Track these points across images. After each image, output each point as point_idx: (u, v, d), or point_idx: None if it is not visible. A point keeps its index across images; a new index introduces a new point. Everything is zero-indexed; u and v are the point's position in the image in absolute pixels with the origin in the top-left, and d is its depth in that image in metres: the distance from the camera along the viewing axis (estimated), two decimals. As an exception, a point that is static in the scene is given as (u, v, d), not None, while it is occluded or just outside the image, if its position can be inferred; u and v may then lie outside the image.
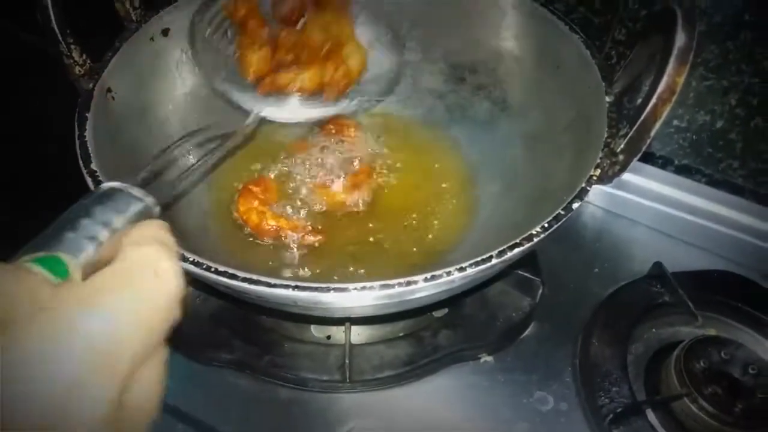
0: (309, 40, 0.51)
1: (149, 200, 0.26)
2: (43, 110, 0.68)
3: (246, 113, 0.49)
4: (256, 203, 0.53)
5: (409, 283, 0.36)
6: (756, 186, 0.65)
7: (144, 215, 0.26)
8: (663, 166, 0.68)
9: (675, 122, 0.65)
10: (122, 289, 0.21)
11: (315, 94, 0.51)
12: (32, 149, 0.69)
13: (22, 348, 0.18)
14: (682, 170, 0.68)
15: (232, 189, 0.56)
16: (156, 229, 0.25)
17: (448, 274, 0.36)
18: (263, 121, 0.52)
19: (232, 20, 0.52)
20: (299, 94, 0.50)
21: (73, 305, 0.20)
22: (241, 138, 0.48)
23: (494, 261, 0.37)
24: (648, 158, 0.68)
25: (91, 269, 0.22)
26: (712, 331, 0.55)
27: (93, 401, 0.19)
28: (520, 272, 0.55)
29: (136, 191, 0.26)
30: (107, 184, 0.26)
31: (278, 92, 0.50)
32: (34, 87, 0.66)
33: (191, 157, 0.52)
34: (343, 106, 0.52)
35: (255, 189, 0.54)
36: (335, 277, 0.51)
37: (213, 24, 0.52)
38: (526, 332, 0.55)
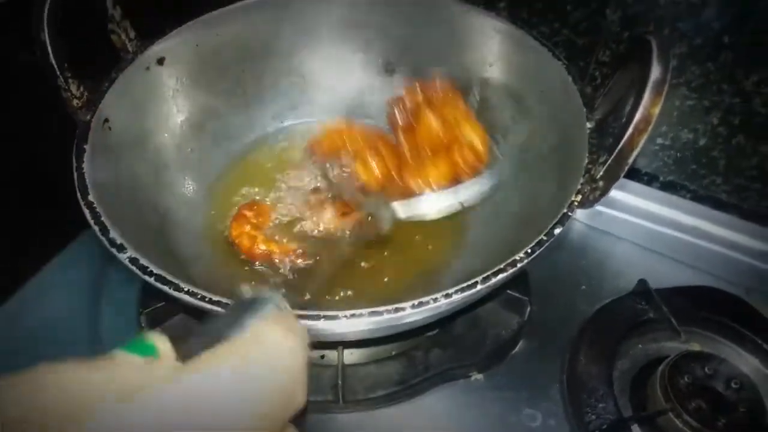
0: (429, 134, 0.50)
1: (282, 302, 0.27)
2: (37, 128, 0.69)
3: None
4: (248, 228, 0.54)
5: (397, 310, 0.37)
6: (739, 201, 0.66)
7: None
8: (648, 183, 0.70)
9: (659, 140, 0.66)
10: (224, 362, 0.20)
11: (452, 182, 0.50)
12: (27, 166, 0.70)
13: None
14: (667, 186, 0.69)
15: (226, 213, 0.57)
16: (283, 315, 0.24)
17: (435, 300, 0.37)
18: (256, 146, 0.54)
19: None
20: (435, 188, 0.50)
21: (152, 380, 0.19)
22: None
23: (479, 287, 0.38)
24: (634, 175, 0.70)
25: None
26: (696, 347, 0.56)
27: None
28: (508, 291, 0.56)
29: (269, 294, 0.27)
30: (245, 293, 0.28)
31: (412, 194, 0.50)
32: (27, 105, 0.67)
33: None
34: (480, 186, 0.51)
35: (248, 213, 0.55)
36: (328, 297, 0.53)
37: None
38: (515, 350, 0.56)
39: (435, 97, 0.51)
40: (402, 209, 0.49)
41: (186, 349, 0.21)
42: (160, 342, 0.21)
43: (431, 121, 0.49)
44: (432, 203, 0.49)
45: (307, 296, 0.48)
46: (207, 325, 0.24)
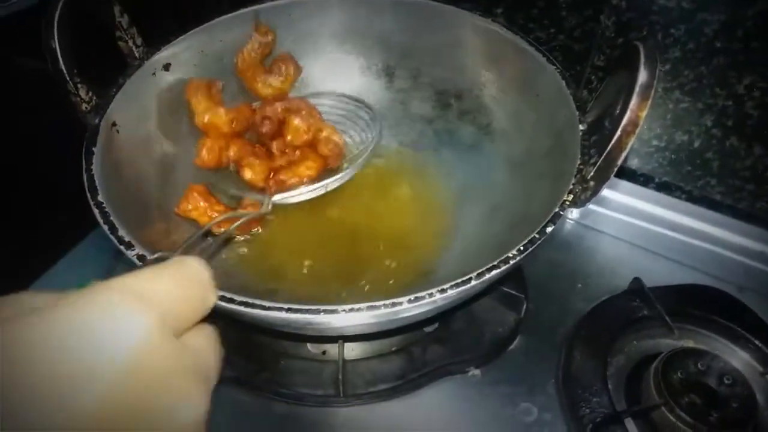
0: (294, 140, 0.60)
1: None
2: (42, 131, 0.70)
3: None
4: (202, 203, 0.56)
5: (394, 305, 0.38)
6: (733, 202, 0.68)
7: None
8: (644, 184, 0.71)
9: (655, 142, 0.68)
10: (152, 272, 0.23)
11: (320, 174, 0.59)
12: (32, 169, 0.72)
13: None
14: (663, 187, 0.70)
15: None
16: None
17: (431, 295, 0.39)
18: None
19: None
20: (307, 182, 0.58)
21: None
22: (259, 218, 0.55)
23: (474, 282, 0.39)
24: (629, 176, 0.71)
25: None
26: (689, 343, 0.57)
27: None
28: (505, 289, 0.57)
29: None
30: (161, 254, 0.30)
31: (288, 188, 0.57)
32: (33, 108, 0.68)
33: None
34: (347, 173, 0.59)
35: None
36: (328, 298, 0.54)
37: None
38: (512, 346, 0.58)
39: (295, 109, 0.61)
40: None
41: None
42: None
43: (297, 123, 0.59)
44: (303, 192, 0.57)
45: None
46: None
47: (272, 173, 0.59)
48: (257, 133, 0.61)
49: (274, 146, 0.60)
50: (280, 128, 0.61)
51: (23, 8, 0.59)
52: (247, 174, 0.58)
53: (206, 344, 0.26)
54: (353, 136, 0.64)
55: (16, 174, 0.69)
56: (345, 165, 0.61)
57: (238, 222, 0.51)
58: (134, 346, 0.20)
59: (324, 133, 0.60)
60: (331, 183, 0.58)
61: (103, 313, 0.20)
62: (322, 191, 0.58)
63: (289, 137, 0.60)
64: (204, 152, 0.57)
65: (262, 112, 0.60)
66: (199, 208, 0.54)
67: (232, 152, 0.59)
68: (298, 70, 0.64)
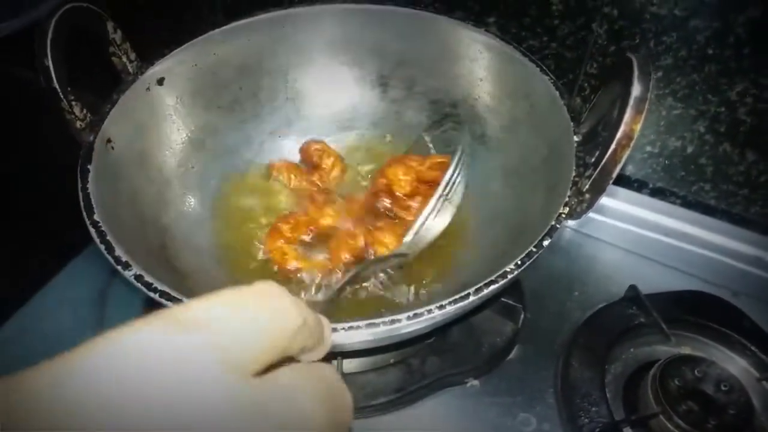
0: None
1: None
2: (40, 144, 0.70)
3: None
4: (281, 242, 0.56)
5: (393, 321, 0.38)
6: (728, 207, 0.68)
7: None
8: (638, 189, 0.71)
9: (648, 148, 0.68)
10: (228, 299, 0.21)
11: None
12: (31, 181, 0.71)
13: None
14: (657, 193, 0.71)
15: (227, 227, 0.59)
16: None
17: (429, 312, 0.39)
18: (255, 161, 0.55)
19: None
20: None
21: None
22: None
23: (472, 298, 0.39)
24: (624, 182, 0.71)
25: None
26: (686, 350, 0.57)
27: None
28: (503, 299, 0.58)
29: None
30: None
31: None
32: (31, 122, 0.68)
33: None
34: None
35: (284, 227, 0.57)
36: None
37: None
38: (510, 356, 0.58)
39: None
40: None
41: None
42: None
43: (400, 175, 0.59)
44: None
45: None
46: None
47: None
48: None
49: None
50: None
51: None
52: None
53: (301, 382, 0.21)
54: None
55: (15, 186, 0.69)
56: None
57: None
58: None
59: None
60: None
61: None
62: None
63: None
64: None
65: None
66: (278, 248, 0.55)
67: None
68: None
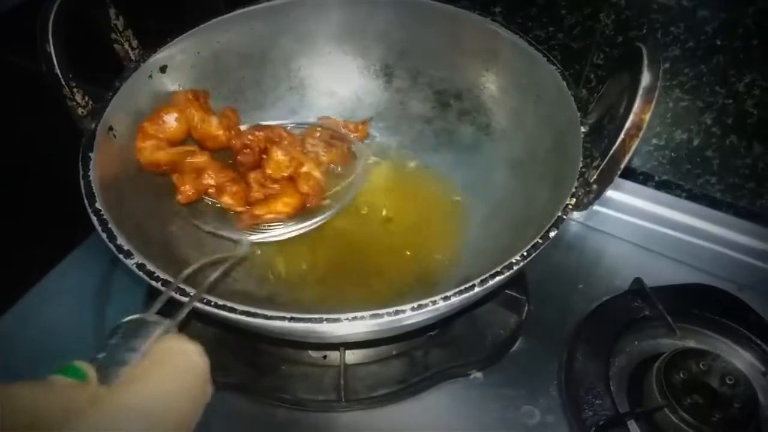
0: (274, 173, 0.58)
1: (167, 323, 0.30)
2: (41, 133, 0.70)
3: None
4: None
5: (397, 312, 0.38)
6: (734, 200, 0.68)
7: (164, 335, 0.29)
8: (644, 182, 0.71)
9: (654, 140, 0.67)
10: (149, 375, 0.25)
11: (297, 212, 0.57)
12: (32, 173, 0.71)
13: None
14: (662, 186, 0.70)
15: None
16: (176, 337, 0.29)
17: (434, 303, 0.38)
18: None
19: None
20: (283, 219, 0.56)
21: (88, 402, 0.23)
22: (238, 261, 0.51)
23: (477, 289, 0.39)
24: (629, 175, 0.71)
25: None
26: (691, 343, 0.57)
27: None
28: (507, 292, 0.57)
29: (156, 318, 0.30)
30: (129, 318, 0.30)
31: (262, 223, 0.56)
32: (31, 110, 0.68)
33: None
34: (327, 214, 0.57)
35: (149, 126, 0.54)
36: (330, 304, 0.54)
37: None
38: (514, 348, 0.57)
39: (277, 138, 0.59)
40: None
41: (100, 374, 0.26)
42: (87, 368, 0.26)
43: (278, 156, 0.58)
44: (280, 230, 0.56)
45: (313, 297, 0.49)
46: (103, 351, 0.28)
47: (247, 206, 0.57)
48: (235, 161, 0.59)
49: (251, 177, 0.58)
50: (259, 158, 0.59)
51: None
52: (226, 198, 0.56)
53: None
54: (335, 169, 0.62)
55: (15, 175, 0.69)
56: (326, 202, 0.59)
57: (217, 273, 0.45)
58: None
59: (305, 168, 0.58)
60: (309, 225, 0.56)
61: None
62: (297, 232, 0.56)
63: (268, 170, 0.58)
64: (184, 187, 0.54)
65: (242, 139, 0.58)
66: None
67: (210, 178, 0.55)
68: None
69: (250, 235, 0.55)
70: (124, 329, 0.29)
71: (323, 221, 0.57)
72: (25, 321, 0.61)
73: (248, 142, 0.58)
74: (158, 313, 0.31)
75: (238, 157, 0.58)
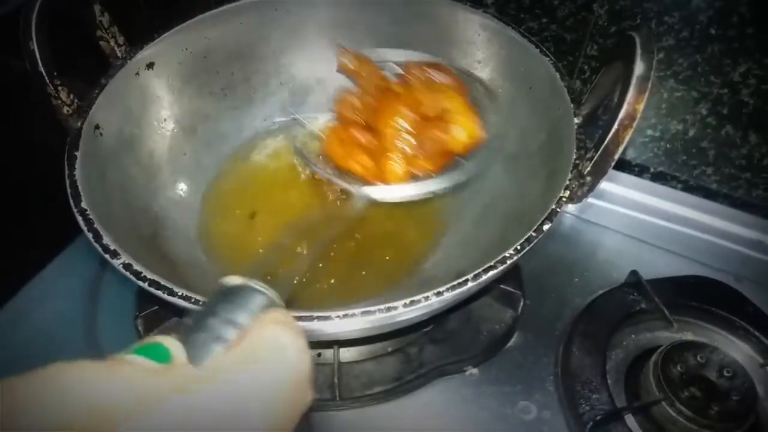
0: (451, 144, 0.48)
1: (272, 293, 0.26)
2: (30, 132, 0.69)
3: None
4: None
5: (389, 309, 0.37)
6: (730, 190, 0.67)
7: (268, 309, 0.25)
8: (639, 174, 0.70)
9: (649, 132, 0.67)
10: (239, 369, 0.20)
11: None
12: (20, 170, 0.70)
13: None
14: (658, 177, 0.70)
15: (220, 215, 0.58)
16: (280, 314, 0.24)
17: (426, 299, 0.38)
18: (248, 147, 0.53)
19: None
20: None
21: (172, 389, 0.18)
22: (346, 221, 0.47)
23: (470, 284, 0.38)
24: (624, 166, 0.70)
25: None
26: (688, 336, 0.57)
27: None
28: (502, 286, 0.57)
29: (260, 285, 0.25)
30: (230, 280, 0.26)
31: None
32: (20, 109, 0.67)
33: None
34: (445, 180, 0.48)
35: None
36: (323, 298, 0.53)
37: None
38: (510, 343, 0.57)
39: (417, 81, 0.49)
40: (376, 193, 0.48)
41: (192, 351, 0.22)
42: (173, 346, 0.21)
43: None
44: (405, 191, 0.48)
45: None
46: (197, 322, 0.23)
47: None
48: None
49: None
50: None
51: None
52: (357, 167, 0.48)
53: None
54: None
55: (2, 174, 0.68)
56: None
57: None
58: None
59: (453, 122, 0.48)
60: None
61: None
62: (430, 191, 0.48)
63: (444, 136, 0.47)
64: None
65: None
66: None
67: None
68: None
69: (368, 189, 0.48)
70: (221, 297, 0.24)
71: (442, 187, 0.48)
72: (14, 323, 0.60)
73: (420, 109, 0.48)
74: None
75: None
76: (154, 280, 0.38)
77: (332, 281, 0.54)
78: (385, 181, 0.48)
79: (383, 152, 0.48)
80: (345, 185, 0.48)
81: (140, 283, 0.38)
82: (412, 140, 0.47)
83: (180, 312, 0.41)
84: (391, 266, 0.56)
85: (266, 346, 0.22)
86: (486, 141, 0.49)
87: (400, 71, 0.51)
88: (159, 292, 0.38)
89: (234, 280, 0.25)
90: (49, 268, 0.65)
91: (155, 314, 0.54)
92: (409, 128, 0.47)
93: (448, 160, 0.48)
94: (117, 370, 0.19)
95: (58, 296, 0.61)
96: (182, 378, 0.19)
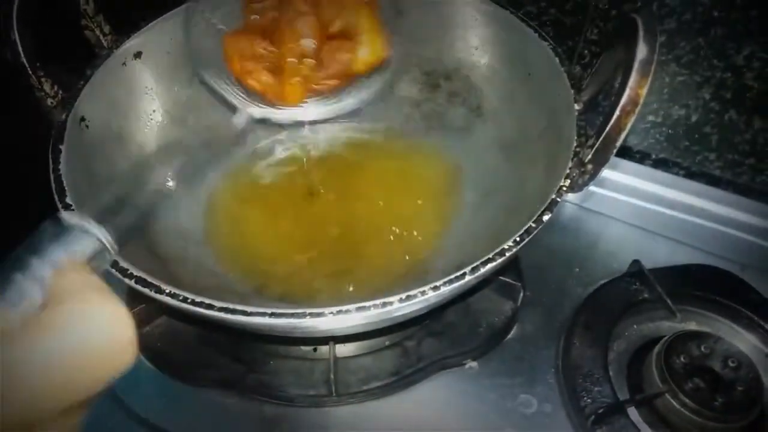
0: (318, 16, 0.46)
1: (104, 236, 0.25)
2: (20, 126, 0.68)
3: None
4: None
5: (384, 305, 0.36)
6: (733, 177, 0.66)
7: (99, 253, 0.25)
8: (641, 161, 0.69)
9: (651, 117, 0.66)
10: (43, 333, 0.20)
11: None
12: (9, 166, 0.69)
13: None
14: (660, 164, 0.69)
15: (210, 209, 0.57)
16: (90, 279, 0.23)
17: (423, 293, 0.36)
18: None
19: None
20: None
21: None
22: (228, 144, 0.45)
23: (468, 278, 0.37)
24: (626, 153, 0.69)
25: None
26: (692, 326, 0.56)
27: None
28: (501, 278, 0.55)
29: (92, 227, 0.25)
30: (63, 216, 0.25)
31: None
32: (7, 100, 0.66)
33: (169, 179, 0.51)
34: (348, 103, 0.48)
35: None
36: (320, 291, 0.52)
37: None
38: (509, 336, 0.56)
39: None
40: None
41: (7, 290, 0.22)
42: None
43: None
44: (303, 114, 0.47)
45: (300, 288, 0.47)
46: (19, 257, 0.23)
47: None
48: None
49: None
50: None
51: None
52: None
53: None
54: None
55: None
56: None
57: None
58: None
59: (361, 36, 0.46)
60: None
61: None
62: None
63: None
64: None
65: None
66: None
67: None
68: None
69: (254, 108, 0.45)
70: (52, 233, 0.24)
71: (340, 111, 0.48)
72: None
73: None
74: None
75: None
76: (141, 278, 0.37)
77: (328, 275, 0.53)
78: (284, 101, 0.46)
79: (282, 70, 0.46)
80: (234, 101, 0.46)
81: (126, 280, 0.37)
82: (313, 61, 0.46)
83: (169, 309, 0.40)
84: (388, 258, 0.55)
85: (70, 317, 0.21)
86: (391, 61, 0.47)
87: None
88: (146, 290, 0.37)
89: (66, 217, 0.25)
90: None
91: (146, 310, 0.53)
92: (311, 46, 0.46)
93: (351, 78, 0.47)
94: None
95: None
96: None
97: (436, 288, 0.37)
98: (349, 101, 0.48)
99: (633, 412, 0.50)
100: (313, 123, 0.49)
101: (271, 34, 0.47)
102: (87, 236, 0.25)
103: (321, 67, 0.46)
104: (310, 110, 0.48)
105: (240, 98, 0.47)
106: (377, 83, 0.49)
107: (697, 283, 0.57)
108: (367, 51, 0.46)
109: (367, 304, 0.36)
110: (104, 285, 0.23)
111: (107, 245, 0.25)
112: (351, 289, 0.53)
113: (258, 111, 0.46)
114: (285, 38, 0.46)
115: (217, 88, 0.48)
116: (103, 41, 0.52)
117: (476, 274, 0.37)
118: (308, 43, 0.46)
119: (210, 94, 0.49)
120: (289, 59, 0.46)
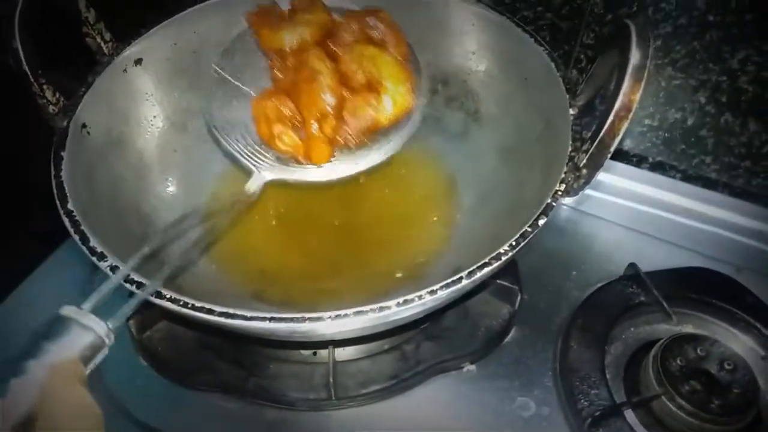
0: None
1: (100, 329, 0.27)
2: (20, 132, 0.68)
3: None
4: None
5: (381, 309, 0.37)
6: (729, 180, 0.66)
7: (94, 346, 0.27)
8: (637, 164, 0.69)
9: (647, 121, 0.66)
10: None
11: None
12: (10, 170, 0.69)
13: None
14: (656, 167, 0.69)
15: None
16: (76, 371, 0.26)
17: (420, 297, 0.37)
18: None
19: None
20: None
21: None
22: (244, 207, 0.44)
23: (464, 282, 0.38)
24: (622, 157, 0.69)
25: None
26: (688, 328, 0.56)
27: None
28: (499, 281, 0.56)
29: (89, 320, 0.27)
30: (64, 312, 0.28)
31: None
32: (8, 107, 0.66)
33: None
34: (373, 158, 0.47)
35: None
36: (319, 295, 0.52)
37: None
38: (507, 339, 0.56)
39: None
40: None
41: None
42: None
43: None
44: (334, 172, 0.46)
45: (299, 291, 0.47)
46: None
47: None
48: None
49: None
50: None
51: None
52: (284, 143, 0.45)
53: None
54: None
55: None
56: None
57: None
58: None
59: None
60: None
61: None
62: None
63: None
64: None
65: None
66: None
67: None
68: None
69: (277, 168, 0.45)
70: (46, 329, 0.27)
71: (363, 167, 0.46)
72: (5, 324, 0.59)
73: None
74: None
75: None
76: (142, 283, 0.37)
77: (326, 278, 0.54)
78: (312, 161, 0.46)
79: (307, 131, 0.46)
80: (250, 165, 0.46)
81: (128, 285, 0.37)
82: (334, 121, 0.45)
83: (170, 315, 0.40)
84: (386, 262, 0.55)
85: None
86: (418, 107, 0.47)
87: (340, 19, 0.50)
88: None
89: (67, 312, 0.28)
90: (40, 269, 0.64)
91: (148, 316, 0.53)
92: (331, 105, 0.45)
93: (377, 130, 0.47)
94: None
95: (50, 297, 0.61)
96: None
97: (433, 292, 0.37)
98: (375, 156, 0.47)
99: (630, 415, 0.51)
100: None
101: (292, 95, 0.47)
102: (84, 331, 0.27)
103: (345, 125, 0.46)
104: (338, 168, 0.46)
105: (256, 162, 0.46)
106: (406, 131, 0.48)
107: (693, 286, 0.57)
108: (390, 104, 0.46)
109: (364, 308, 0.36)
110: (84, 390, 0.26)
111: (104, 338, 0.28)
112: (348, 293, 0.53)
113: (271, 174, 0.46)
114: (303, 99, 0.46)
115: (235, 154, 0.47)
116: (104, 48, 0.53)
117: (473, 278, 0.38)
118: (328, 102, 0.45)
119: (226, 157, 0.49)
120: (311, 121, 0.45)
